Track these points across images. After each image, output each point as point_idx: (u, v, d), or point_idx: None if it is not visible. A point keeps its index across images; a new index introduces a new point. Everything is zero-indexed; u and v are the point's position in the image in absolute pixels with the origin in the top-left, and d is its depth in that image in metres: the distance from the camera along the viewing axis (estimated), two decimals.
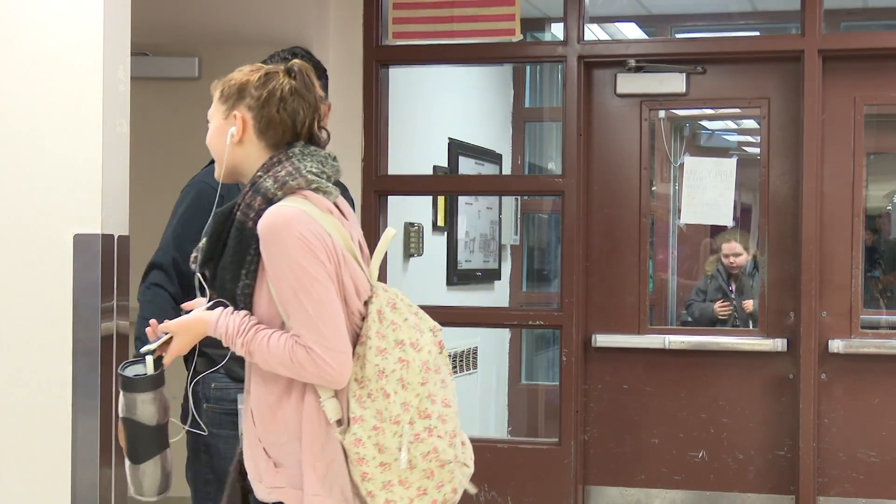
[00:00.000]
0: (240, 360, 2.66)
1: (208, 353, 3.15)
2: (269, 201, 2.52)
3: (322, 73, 3.37)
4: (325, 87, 3.38)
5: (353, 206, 3.23)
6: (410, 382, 2.53)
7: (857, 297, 4.93)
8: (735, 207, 5.36)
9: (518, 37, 5.15)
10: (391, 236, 2.69)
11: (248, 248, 2.54)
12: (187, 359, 3.19)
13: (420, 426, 2.53)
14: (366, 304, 2.57)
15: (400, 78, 5.70)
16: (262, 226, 2.48)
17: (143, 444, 2.60)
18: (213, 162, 3.01)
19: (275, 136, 2.62)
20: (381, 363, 2.50)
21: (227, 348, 2.60)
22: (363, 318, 2.55)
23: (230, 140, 2.66)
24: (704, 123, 7.42)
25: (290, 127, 2.62)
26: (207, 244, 2.61)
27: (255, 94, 2.64)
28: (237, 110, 2.63)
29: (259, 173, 2.58)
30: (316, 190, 2.55)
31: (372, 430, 2.48)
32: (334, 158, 2.66)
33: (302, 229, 2.46)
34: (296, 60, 2.75)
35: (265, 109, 2.63)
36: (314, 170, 2.57)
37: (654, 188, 5.71)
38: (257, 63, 2.77)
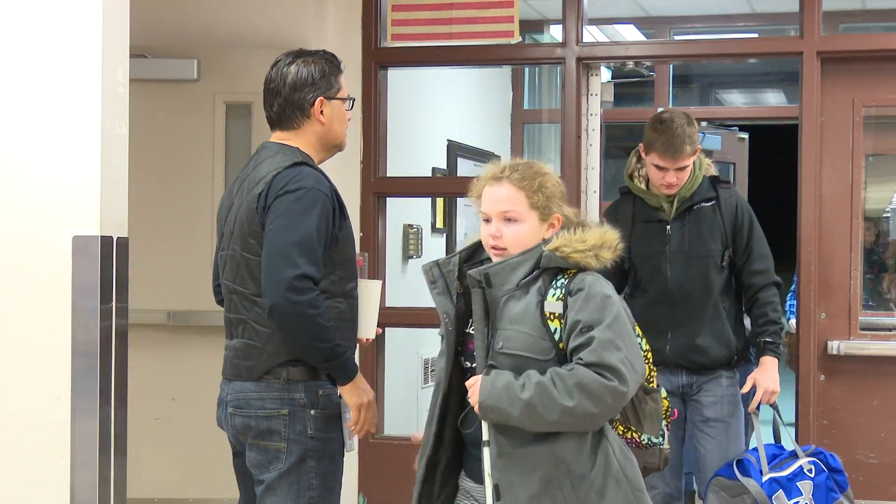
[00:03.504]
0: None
1: (304, 361, 3.29)
2: None
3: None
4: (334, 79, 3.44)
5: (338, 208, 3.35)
6: None
7: (855, 299, 4.93)
8: None
9: (517, 38, 5.15)
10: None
11: None
12: (269, 370, 3.31)
13: None
14: None
15: (399, 79, 5.70)
16: None
17: None
18: (301, 164, 3.29)
19: None
20: None
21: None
22: None
23: None
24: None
25: None
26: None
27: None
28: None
29: None
30: None
31: None
32: None
33: None
34: None
35: None
36: None
37: None
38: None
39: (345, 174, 4.96)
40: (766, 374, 4.26)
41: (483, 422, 2.98)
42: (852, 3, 7.23)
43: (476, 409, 2.95)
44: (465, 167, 6.89)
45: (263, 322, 3.26)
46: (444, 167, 6.72)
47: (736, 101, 11.21)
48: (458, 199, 6.80)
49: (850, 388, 4.93)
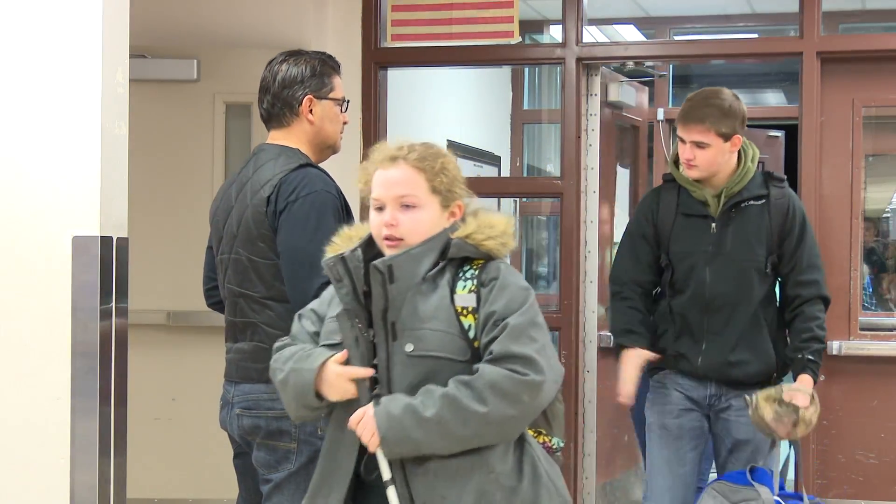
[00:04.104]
0: None
1: None
2: None
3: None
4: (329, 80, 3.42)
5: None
6: None
7: (855, 299, 4.93)
8: None
9: (517, 39, 5.15)
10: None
11: None
12: None
13: None
14: None
15: (399, 79, 5.70)
16: None
17: None
18: (307, 166, 3.26)
19: None
20: None
21: None
22: None
23: None
24: None
25: None
26: None
27: None
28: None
29: None
30: None
31: None
32: None
33: None
34: None
35: None
36: None
37: None
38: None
39: (345, 175, 4.95)
40: (803, 390, 3.87)
41: (382, 458, 2.60)
42: (852, 4, 7.23)
43: (376, 447, 2.58)
44: (465, 167, 6.83)
45: (275, 324, 3.25)
46: None
47: None
48: None
49: (849, 389, 4.92)
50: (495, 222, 2.70)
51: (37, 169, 3.07)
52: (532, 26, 7.40)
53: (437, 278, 2.64)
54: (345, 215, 3.29)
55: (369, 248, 2.72)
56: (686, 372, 4.06)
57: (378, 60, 5.28)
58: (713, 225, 3.98)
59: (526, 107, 8.01)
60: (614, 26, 7.81)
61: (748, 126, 4.08)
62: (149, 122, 4.67)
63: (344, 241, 2.75)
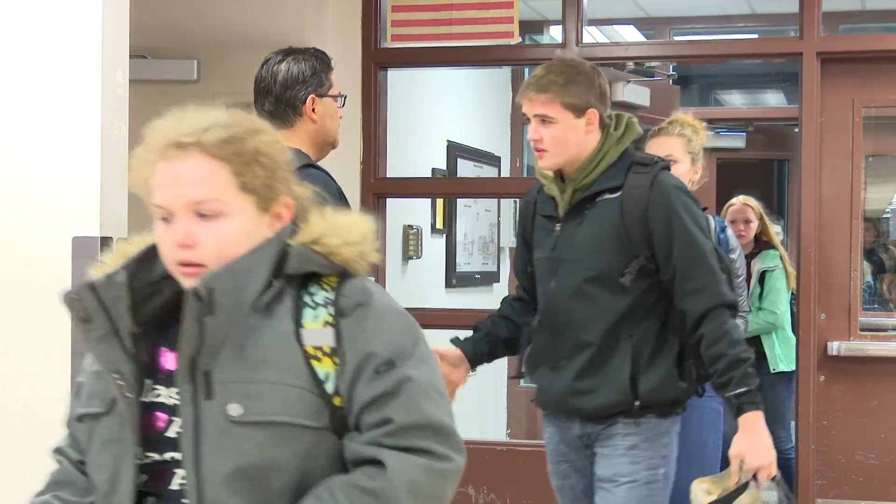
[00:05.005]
0: None
1: None
2: None
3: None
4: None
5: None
6: None
7: (855, 300, 4.93)
8: None
9: (517, 39, 5.15)
10: None
11: None
12: None
13: None
14: None
15: (399, 80, 5.70)
16: None
17: None
18: (308, 167, 3.13)
19: None
20: None
21: None
22: None
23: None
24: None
25: None
26: None
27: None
28: None
29: None
30: None
31: None
32: None
33: None
34: None
35: None
36: None
37: None
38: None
39: (344, 175, 4.96)
40: (752, 442, 2.97)
41: None
42: (852, 4, 7.23)
43: None
44: (465, 168, 6.89)
45: None
46: (444, 168, 6.72)
47: (736, 101, 11.21)
48: (458, 199, 6.81)
49: (849, 389, 4.93)
50: (352, 223, 1.86)
51: (37, 169, 3.07)
52: (532, 27, 7.40)
53: (273, 306, 1.78)
54: None
55: (145, 267, 1.84)
56: (548, 410, 3.31)
57: (378, 61, 5.27)
58: (557, 227, 3.18)
59: None
60: (614, 27, 7.81)
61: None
62: (149, 123, 4.67)
63: (118, 260, 1.87)
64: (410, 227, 6.30)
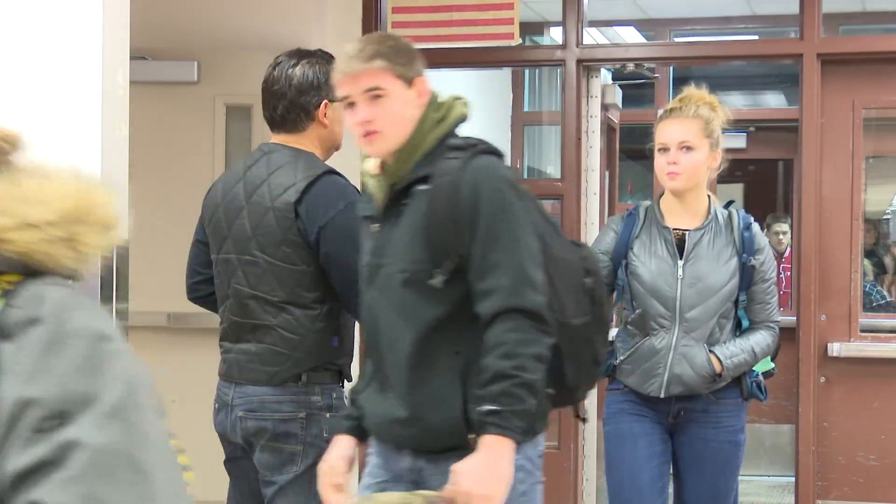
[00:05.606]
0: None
1: (338, 364, 3.28)
2: None
3: None
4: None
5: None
6: None
7: (855, 301, 4.93)
8: None
9: (517, 41, 5.15)
10: None
11: None
12: (297, 376, 3.23)
13: None
14: None
15: None
16: None
17: None
18: (331, 173, 3.20)
19: None
20: None
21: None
22: None
23: None
24: None
25: None
26: None
27: None
28: None
29: None
30: None
31: None
32: None
33: None
34: None
35: None
36: None
37: None
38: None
39: (345, 175, 4.96)
40: (472, 468, 2.44)
41: None
42: (852, 5, 7.24)
43: None
44: None
45: (293, 329, 3.23)
46: None
47: (736, 102, 11.21)
48: None
49: (850, 390, 4.93)
50: (55, 192, 1.28)
51: None
52: (532, 28, 7.40)
53: None
54: None
55: None
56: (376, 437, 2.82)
57: None
58: (372, 227, 2.75)
59: (526, 108, 8.02)
60: (614, 28, 7.81)
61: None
62: (149, 125, 4.68)
63: None
64: None
